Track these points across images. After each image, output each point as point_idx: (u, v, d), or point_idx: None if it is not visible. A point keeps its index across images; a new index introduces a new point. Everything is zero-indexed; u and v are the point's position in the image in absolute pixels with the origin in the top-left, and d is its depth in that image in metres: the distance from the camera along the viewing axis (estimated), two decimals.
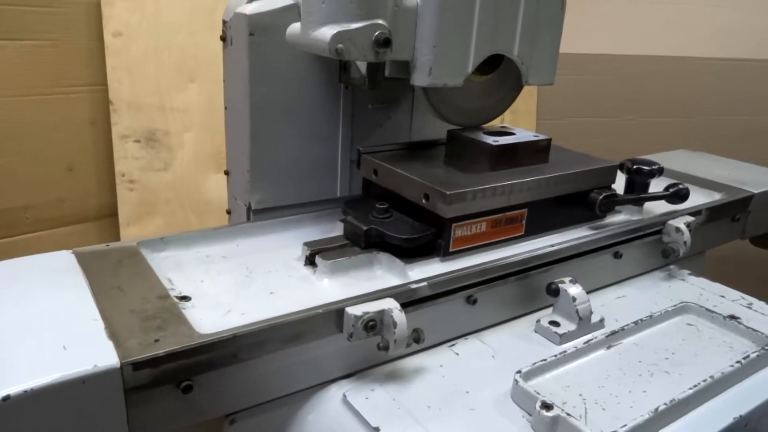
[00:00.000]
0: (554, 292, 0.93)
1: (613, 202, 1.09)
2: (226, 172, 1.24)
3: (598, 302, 1.05)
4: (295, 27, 0.87)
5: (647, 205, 1.23)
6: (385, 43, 0.83)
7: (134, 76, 2.04)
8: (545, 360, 0.83)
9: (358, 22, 0.82)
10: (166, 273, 0.92)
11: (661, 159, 1.26)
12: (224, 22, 1.12)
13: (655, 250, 1.19)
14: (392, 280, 0.93)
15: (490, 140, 1.05)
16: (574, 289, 0.93)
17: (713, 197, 1.39)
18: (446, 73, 0.93)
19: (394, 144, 1.19)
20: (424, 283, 0.87)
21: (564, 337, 0.92)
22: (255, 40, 1.04)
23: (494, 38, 0.96)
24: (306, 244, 0.99)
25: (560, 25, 1.04)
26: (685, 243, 1.12)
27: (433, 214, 0.95)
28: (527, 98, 2.69)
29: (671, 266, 1.23)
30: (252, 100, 1.08)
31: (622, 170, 1.20)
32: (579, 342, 0.91)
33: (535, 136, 1.11)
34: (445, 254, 0.95)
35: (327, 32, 0.80)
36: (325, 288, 0.92)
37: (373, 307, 0.79)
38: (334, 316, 0.80)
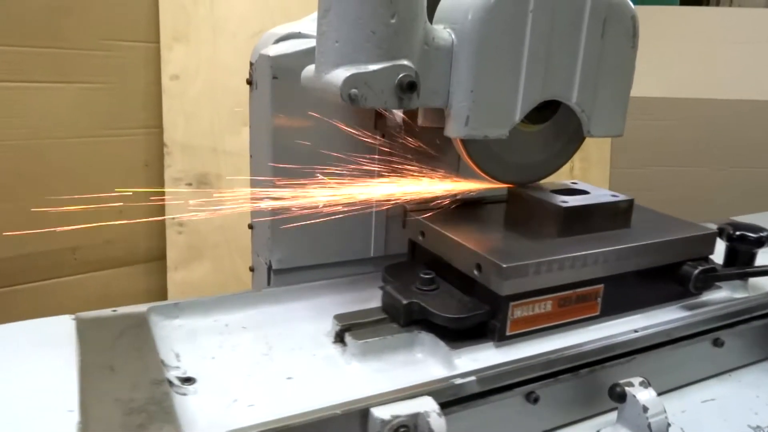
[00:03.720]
0: (619, 396, 0.74)
1: (712, 278, 0.92)
2: (250, 226, 1.13)
3: (677, 407, 0.84)
4: (309, 69, 0.76)
5: (754, 279, 1.04)
6: (409, 87, 0.70)
7: (189, 118, 2.03)
8: None
9: (378, 63, 0.69)
10: (174, 346, 0.83)
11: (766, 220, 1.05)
12: (251, 65, 1.03)
13: (766, 335, 0.98)
14: (435, 368, 0.80)
15: (558, 200, 0.90)
16: (645, 395, 0.73)
17: None
18: (487, 122, 0.78)
19: (446, 200, 1.05)
20: (473, 378, 0.72)
21: None
22: (279, 84, 0.94)
23: (548, 82, 0.80)
24: (336, 317, 0.87)
25: (631, 66, 0.87)
26: None
27: (486, 289, 0.81)
28: (601, 144, 2.48)
29: None
30: (275, 148, 0.98)
31: (721, 236, 1.01)
32: None
33: (613, 195, 0.95)
34: (501, 339, 0.81)
35: (340, 75, 0.68)
36: (353, 374, 0.79)
37: (405, 408, 0.65)
38: (357, 417, 0.66)
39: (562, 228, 0.89)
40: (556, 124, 0.91)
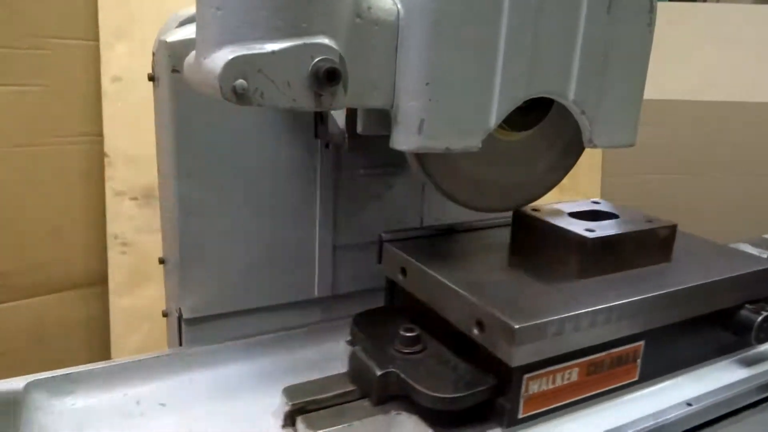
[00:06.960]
0: None
1: None
2: (161, 261, 0.90)
3: None
4: (192, 55, 0.53)
5: None
6: (329, 77, 0.47)
7: (133, 125, 1.82)
8: None
9: (279, 41, 0.46)
10: None
11: None
12: (153, 55, 0.80)
13: None
14: None
15: (581, 228, 0.71)
16: None
17: None
18: (450, 129, 0.55)
19: (433, 228, 0.84)
20: None
21: None
22: (181, 78, 0.71)
23: (535, 73, 0.58)
24: (286, 392, 0.67)
25: (646, 53, 0.65)
26: None
27: (491, 355, 0.62)
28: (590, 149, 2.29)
29: None
30: (179, 161, 0.75)
31: None
32: None
33: (649, 220, 0.77)
34: (512, 423, 0.63)
35: (220, 58, 0.45)
36: None
37: None
38: None
39: (585, 266, 0.70)
40: (545, 131, 0.68)
